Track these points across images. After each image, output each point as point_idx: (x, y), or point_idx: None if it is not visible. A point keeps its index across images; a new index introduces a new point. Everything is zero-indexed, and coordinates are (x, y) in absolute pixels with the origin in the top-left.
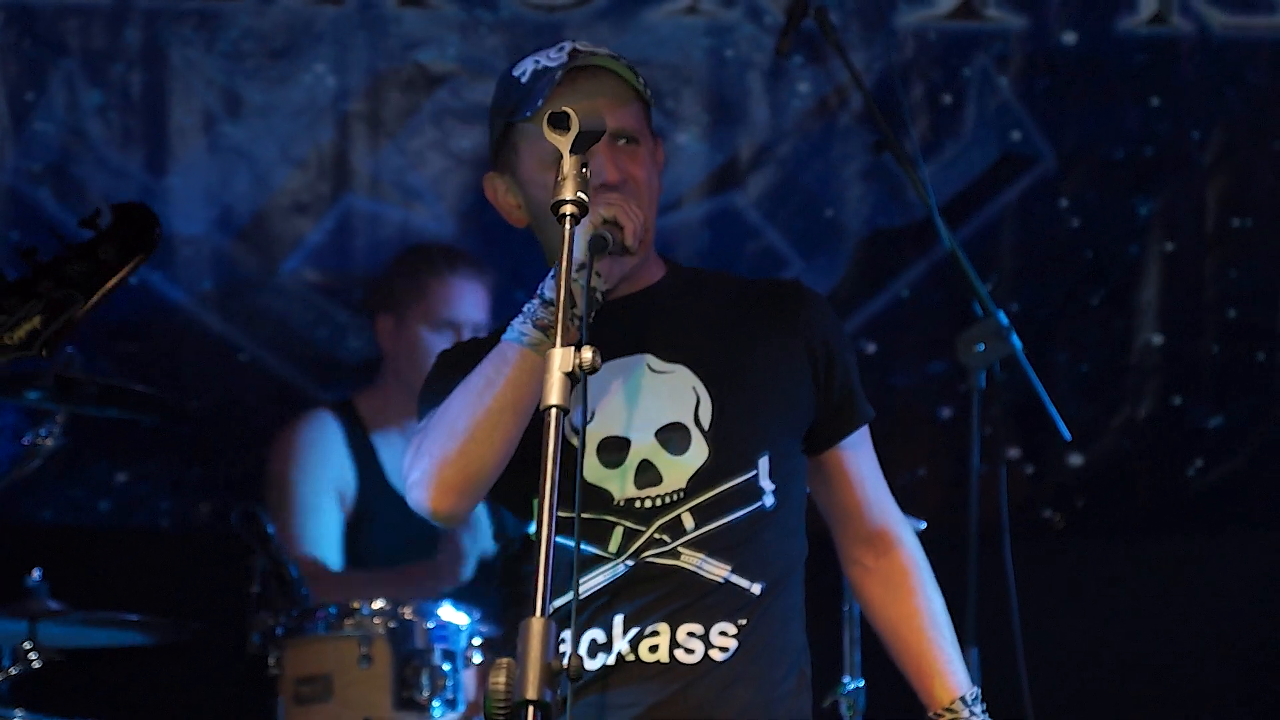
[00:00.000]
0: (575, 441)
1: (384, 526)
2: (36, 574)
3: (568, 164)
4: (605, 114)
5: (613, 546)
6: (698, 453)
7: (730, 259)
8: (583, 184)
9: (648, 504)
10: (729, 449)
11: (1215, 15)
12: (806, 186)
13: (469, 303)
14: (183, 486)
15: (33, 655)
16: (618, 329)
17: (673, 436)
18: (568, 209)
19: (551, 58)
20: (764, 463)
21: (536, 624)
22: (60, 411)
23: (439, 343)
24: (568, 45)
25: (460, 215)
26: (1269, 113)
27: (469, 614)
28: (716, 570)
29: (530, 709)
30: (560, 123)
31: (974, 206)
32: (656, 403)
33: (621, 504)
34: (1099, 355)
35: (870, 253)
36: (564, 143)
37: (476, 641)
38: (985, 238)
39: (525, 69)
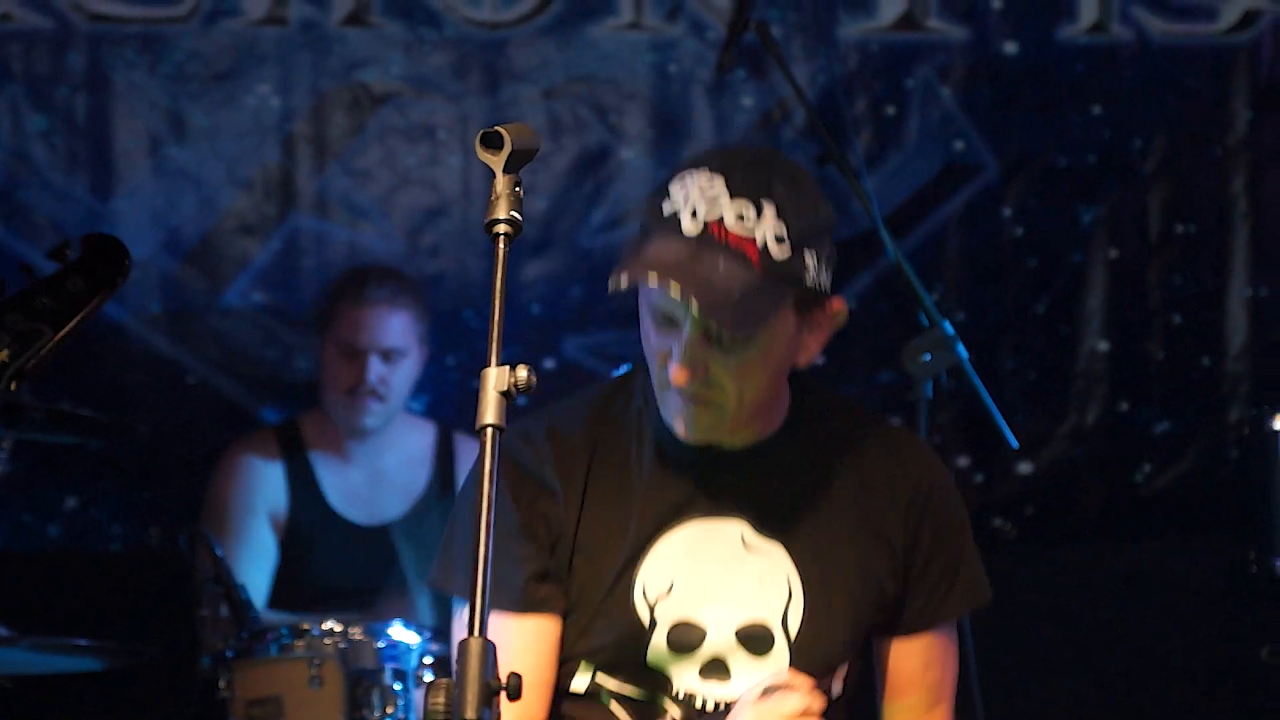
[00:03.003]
0: (644, 616)
1: (325, 550)
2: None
3: (501, 183)
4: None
5: None
6: (778, 658)
7: None
8: (516, 203)
9: (709, 705)
10: (811, 659)
11: (1155, 23)
12: None
13: (383, 329)
14: (132, 510)
15: None
16: (721, 482)
17: (755, 637)
18: (501, 228)
19: (687, 216)
20: (842, 669)
21: (475, 644)
22: (7, 437)
23: (349, 370)
24: (713, 199)
25: (408, 234)
26: (1210, 119)
27: (419, 633)
28: None
29: None
30: (493, 141)
31: (918, 217)
32: (745, 591)
33: (680, 695)
34: (1045, 363)
35: None
36: (496, 162)
37: (428, 660)
38: (930, 248)
39: (674, 201)
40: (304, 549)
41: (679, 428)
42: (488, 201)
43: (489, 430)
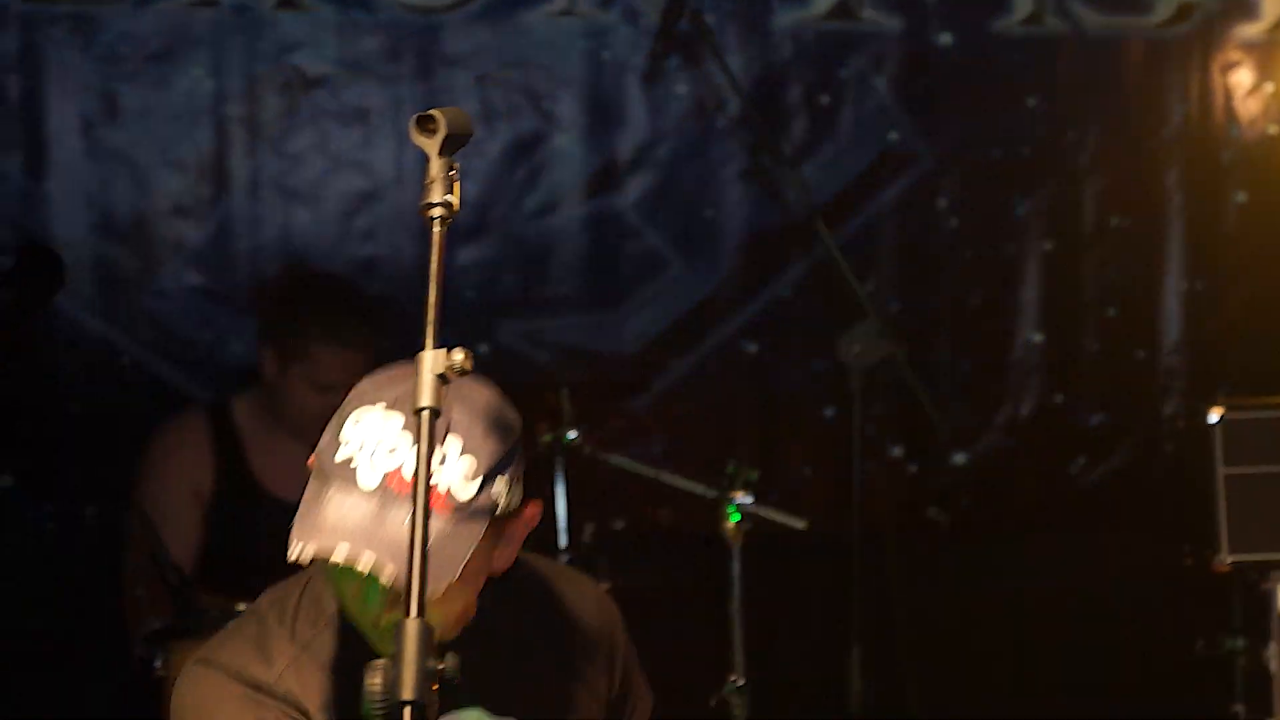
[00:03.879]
0: None
1: (254, 529)
2: None
3: (435, 166)
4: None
5: None
6: None
7: (610, 261)
8: (449, 187)
9: None
10: None
11: (1090, 15)
12: (685, 188)
13: (361, 367)
14: (66, 490)
15: None
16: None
17: None
18: (436, 212)
19: (374, 465)
20: None
21: (412, 624)
22: None
23: (320, 400)
24: (390, 447)
25: (341, 217)
26: (1145, 112)
27: None
28: None
29: (407, 710)
30: (427, 125)
31: (853, 207)
32: None
33: None
34: (980, 354)
35: (750, 253)
36: (431, 146)
37: None
38: (865, 238)
39: (349, 447)
40: (233, 528)
41: (382, 649)
42: (423, 185)
43: (425, 413)
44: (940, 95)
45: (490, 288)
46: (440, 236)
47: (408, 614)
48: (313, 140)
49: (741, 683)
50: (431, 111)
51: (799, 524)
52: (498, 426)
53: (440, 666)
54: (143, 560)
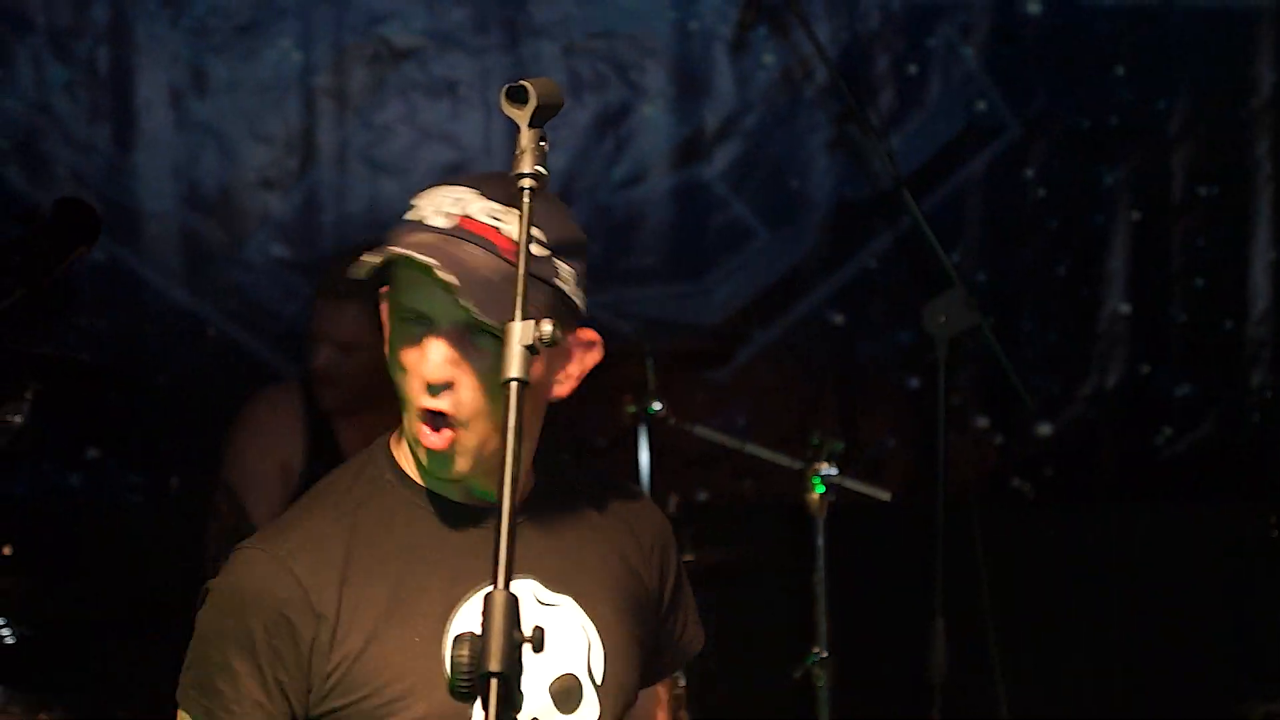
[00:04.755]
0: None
1: None
2: (7, 550)
3: (525, 137)
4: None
5: None
6: (588, 709)
7: (696, 232)
8: (541, 157)
9: None
10: (615, 701)
11: None
12: (772, 158)
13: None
14: (152, 461)
15: (6, 631)
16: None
17: (566, 690)
18: (525, 182)
19: (444, 212)
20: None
21: (499, 596)
22: (29, 388)
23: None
24: (462, 201)
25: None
26: (1233, 80)
27: None
28: None
29: (493, 681)
30: (518, 96)
31: (940, 177)
32: (549, 647)
33: None
34: (1066, 325)
35: (836, 223)
36: (521, 117)
37: None
38: (951, 208)
39: (420, 210)
40: None
41: (430, 465)
42: (512, 156)
43: (514, 384)
44: (1028, 64)
45: None
46: (529, 207)
47: (495, 584)
48: (400, 112)
49: (825, 654)
50: (522, 82)
51: (884, 495)
52: (569, 226)
53: (527, 638)
54: (226, 532)
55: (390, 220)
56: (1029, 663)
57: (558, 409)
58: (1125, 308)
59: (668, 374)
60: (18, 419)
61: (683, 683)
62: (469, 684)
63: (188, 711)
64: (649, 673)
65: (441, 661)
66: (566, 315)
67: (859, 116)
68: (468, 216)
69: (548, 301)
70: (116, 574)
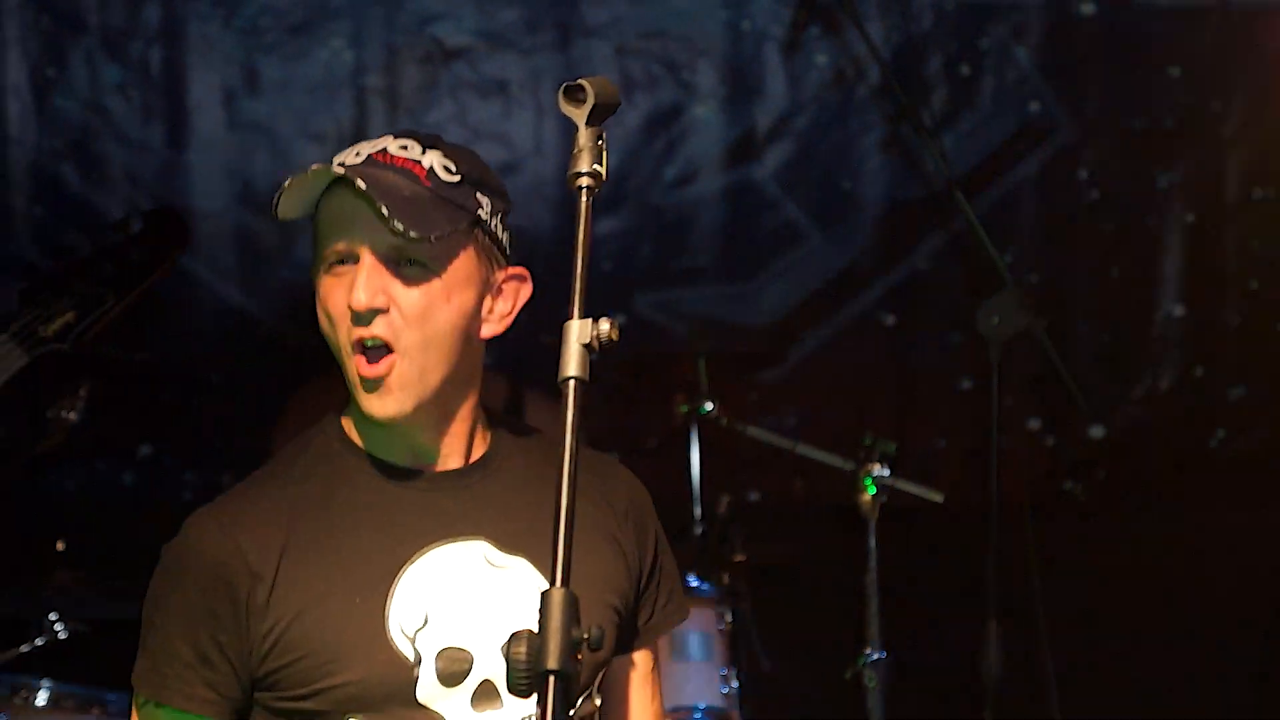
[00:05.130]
0: (407, 652)
1: None
2: (61, 545)
3: (584, 136)
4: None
5: None
6: None
7: (748, 232)
8: (598, 156)
9: None
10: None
11: None
12: (824, 159)
13: None
14: (205, 458)
15: (59, 626)
16: (452, 505)
17: None
18: (583, 181)
19: (358, 153)
20: (601, 675)
21: (557, 594)
22: (83, 385)
23: None
24: (383, 142)
25: None
26: None
27: None
28: None
29: (551, 679)
30: (576, 94)
31: (993, 178)
32: (501, 608)
33: None
34: (1120, 327)
35: (888, 224)
36: (579, 115)
37: None
38: (1005, 209)
39: (338, 156)
40: None
41: (371, 406)
42: (570, 155)
43: (572, 383)
44: (1082, 66)
45: (627, 258)
46: (587, 206)
47: (553, 582)
48: (451, 112)
49: (876, 655)
50: (580, 81)
51: (936, 497)
52: (486, 169)
53: (585, 636)
54: None
55: None
56: (1082, 665)
57: (608, 409)
58: (1179, 309)
59: (719, 374)
60: (72, 416)
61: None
62: (527, 681)
63: (139, 690)
64: (623, 641)
65: (383, 625)
66: (494, 255)
67: (912, 117)
68: (383, 151)
69: (472, 237)
70: None
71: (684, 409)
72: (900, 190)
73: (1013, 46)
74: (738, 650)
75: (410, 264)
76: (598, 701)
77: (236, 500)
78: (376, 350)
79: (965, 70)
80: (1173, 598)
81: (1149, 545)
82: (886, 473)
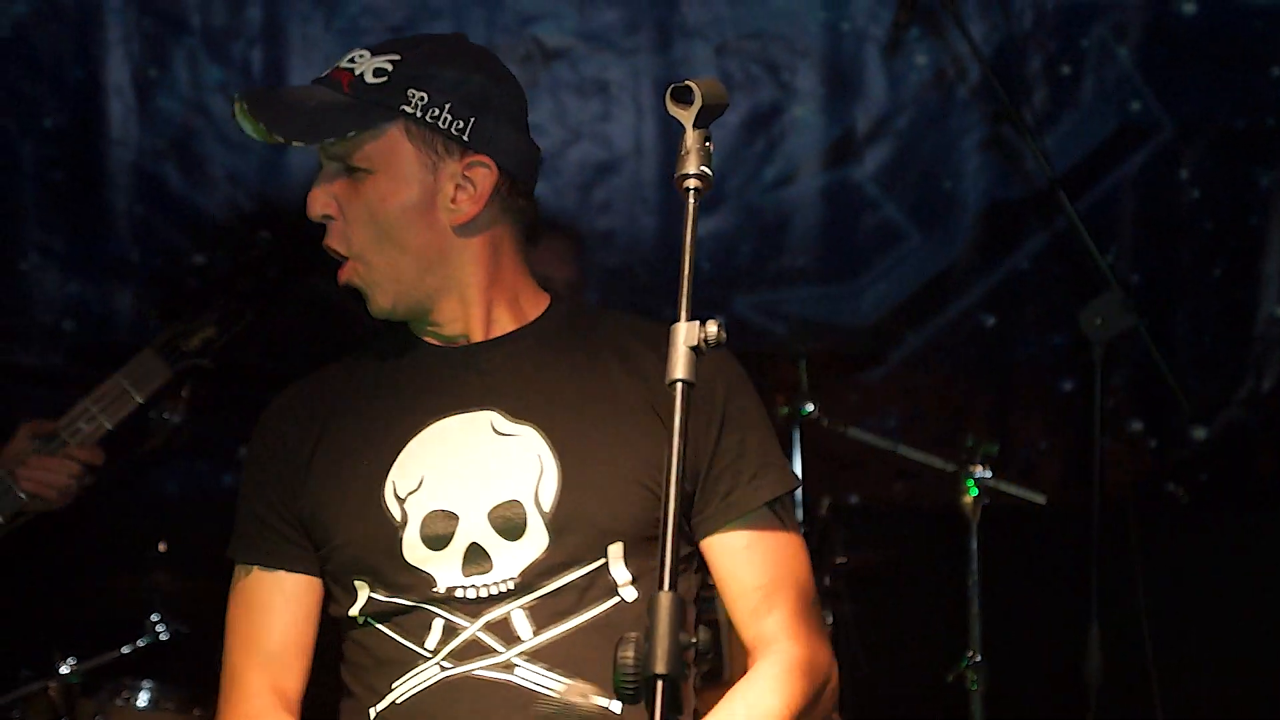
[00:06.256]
0: (396, 513)
1: None
2: (162, 547)
3: (691, 138)
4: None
5: (430, 643)
6: (534, 539)
7: (848, 232)
8: (706, 158)
9: (471, 594)
10: (571, 534)
11: None
12: (924, 159)
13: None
14: None
15: (160, 627)
16: (468, 377)
17: (508, 516)
18: (691, 183)
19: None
20: (616, 549)
21: (664, 598)
22: (186, 388)
23: None
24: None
25: (579, 189)
26: None
27: None
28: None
29: (659, 683)
30: (684, 96)
31: (1093, 178)
32: (493, 473)
33: (443, 593)
34: (1221, 328)
35: (989, 225)
36: (687, 117)
37: None
38: (1105, 209)
39: None
40: None
41: (366, 306)
42: (673, 156)
43: (680, 385)
44: (1183, 65)
45: (727, 259)
46: (695, 209)
47: (660, 587)
48: (551, 111)
49: (978, 658)
50: (688, 82)
51: (1039, 499)
52: (458, 68)
53: (692, 640)
54: None
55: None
56: (1185, 667)
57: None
58: None
59: (819, 375)
60: (175, 418)
61: None
62: (634, 686)
63: (229, 553)
64: (700, 523)
65: (380, 490)
66: (431, 139)
67: (1013, 116)
68: (337, 67)
69: (403, 131)
70: None
71: (785, 410)
72: (1001, 190)
73: (1113, 46)
74: (838, 653)
75: (352, 171)
76: (619, 588)
77: (309, 377)
78: (339, 259)
79: (1066, 70)
80: (1275, 600)
81: (1252, 547)
82: (988, 474)
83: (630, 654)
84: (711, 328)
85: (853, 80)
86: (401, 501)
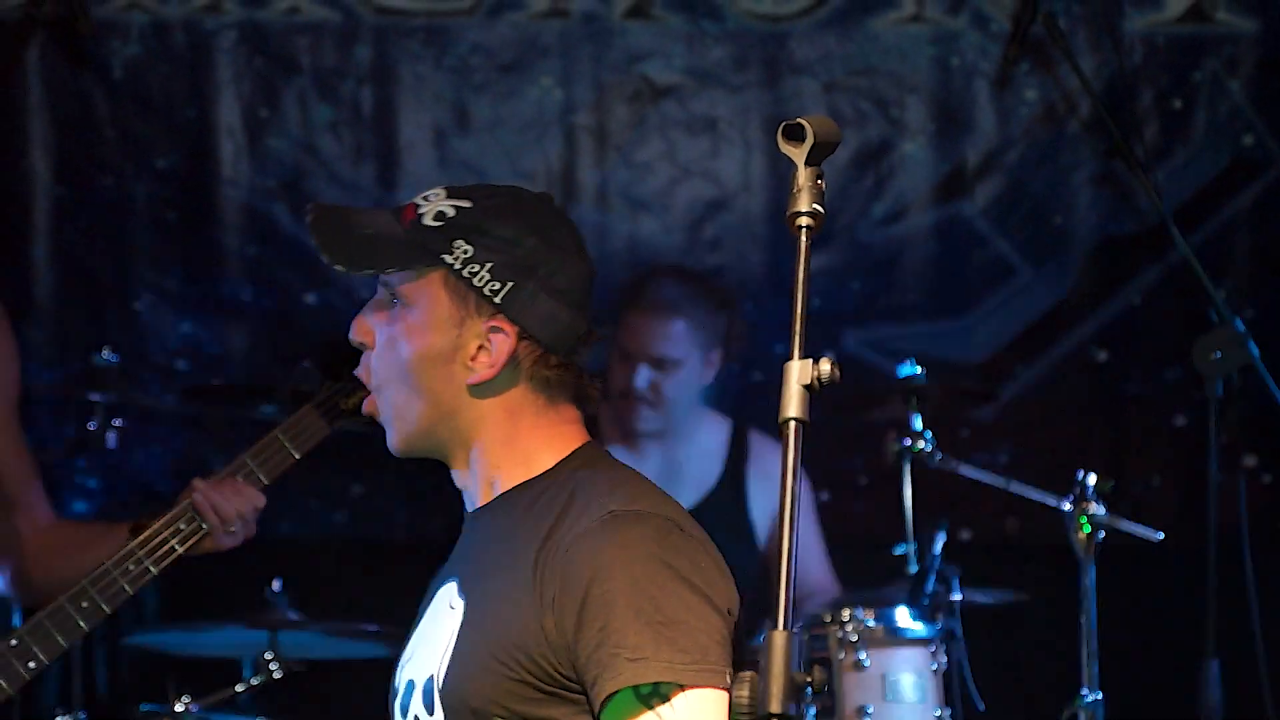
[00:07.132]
0: (397, 680)
1: None
2: (276, 585)
3: (803, 175)
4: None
5: None
6: (437, 716)
7: (958, 268)
8: (818, 196)
9: None
10: (454, 715)
11: None
12: (1035, 194)
13: (654, 337)
14: (416, 498)
15: (274, 665)
16: (462, 546)
17: (426, 692)
18: (803, 220)
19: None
20: None
21: (779, 637)
22: None
23: (621, 371)
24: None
25: (688, 226)
26: None
27: None
28: None
29: None
30: (795, 134)
31: (1206, 212)
32: (428, 650)
33: None
34: None
35: (1101, 259)
36: (799, 154)
37: None
38: (1218, 243)
39: None
40: None
41: None
42: (783, 193)
43: (792, 424)
44: None
45: (837, 295)
46: (806, 247)
47: (775, 625)
48: (660, 149)
49: (1094, 697)
50: (799, 120)
51: (1154, 536)
52: (512, 230)
53: (808, 679)
54: None
55: (650, 257)
56: None
57: (819, 448)
58: None
59: (931, 411)
60: (295, 454)
61: None
62: None
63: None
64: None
65: (399, 657)
66: (466, 295)
67: (1124, 151)
68: (413, 200)
69: (441, 280)
70: (380, 611)
71: (895, 447)
72: (1112, 225)
73: (1225, 79)
74: (952, 691)
75: (394, 302)
76: None
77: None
78: (368, 390)
79: (1177, 104)
80: None
81: None
82: (1102, 511)
83: (745, 693)
84: (825, 366)
85: (962, 116)
86: (400, 670)
